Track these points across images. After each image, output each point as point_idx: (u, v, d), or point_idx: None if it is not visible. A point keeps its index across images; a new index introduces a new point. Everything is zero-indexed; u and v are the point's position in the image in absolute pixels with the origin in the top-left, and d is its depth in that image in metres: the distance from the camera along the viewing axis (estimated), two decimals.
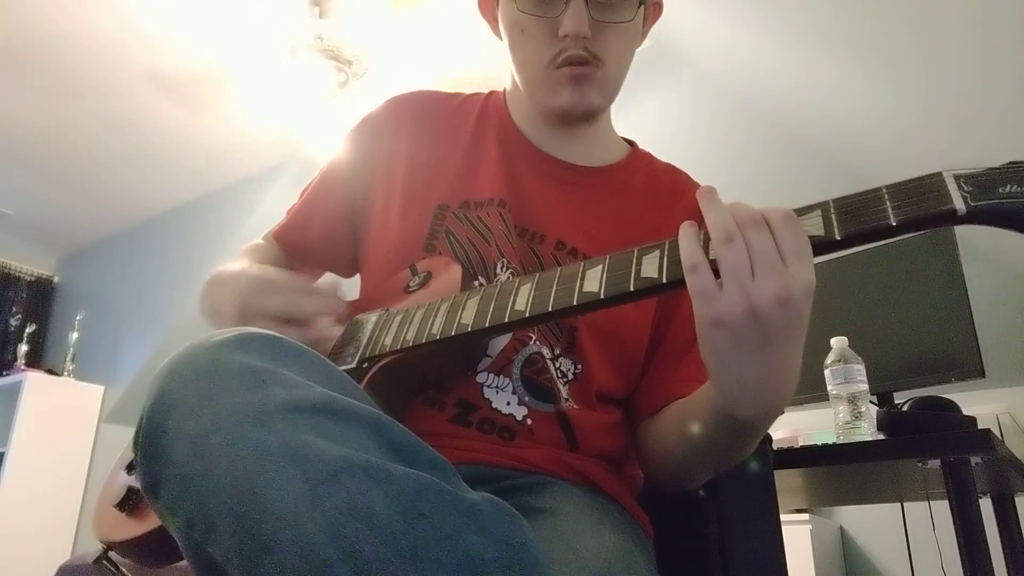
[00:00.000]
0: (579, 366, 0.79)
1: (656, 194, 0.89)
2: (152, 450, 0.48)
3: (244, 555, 0.41)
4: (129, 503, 0.67)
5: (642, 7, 0.83)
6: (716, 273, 0.54)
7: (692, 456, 0.74)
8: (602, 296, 0.59)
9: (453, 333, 0.65)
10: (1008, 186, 0.48)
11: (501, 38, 0.89)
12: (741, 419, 0.61)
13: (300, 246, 0.96)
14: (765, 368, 0.56)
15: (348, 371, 0.70)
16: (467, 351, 0.74)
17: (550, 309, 0.61)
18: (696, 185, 0.92)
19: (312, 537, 0.39)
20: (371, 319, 0.76)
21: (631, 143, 0.97)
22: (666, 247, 0.58)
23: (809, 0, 2.25)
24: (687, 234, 0.56)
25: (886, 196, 0.51)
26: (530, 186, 0.86)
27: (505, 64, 0.91)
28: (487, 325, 0.64)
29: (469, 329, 0.65)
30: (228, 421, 0.45)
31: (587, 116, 0.86)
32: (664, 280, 0.57)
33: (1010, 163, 0.49)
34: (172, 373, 0.50)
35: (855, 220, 0.52)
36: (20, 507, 3.51)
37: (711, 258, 0.54)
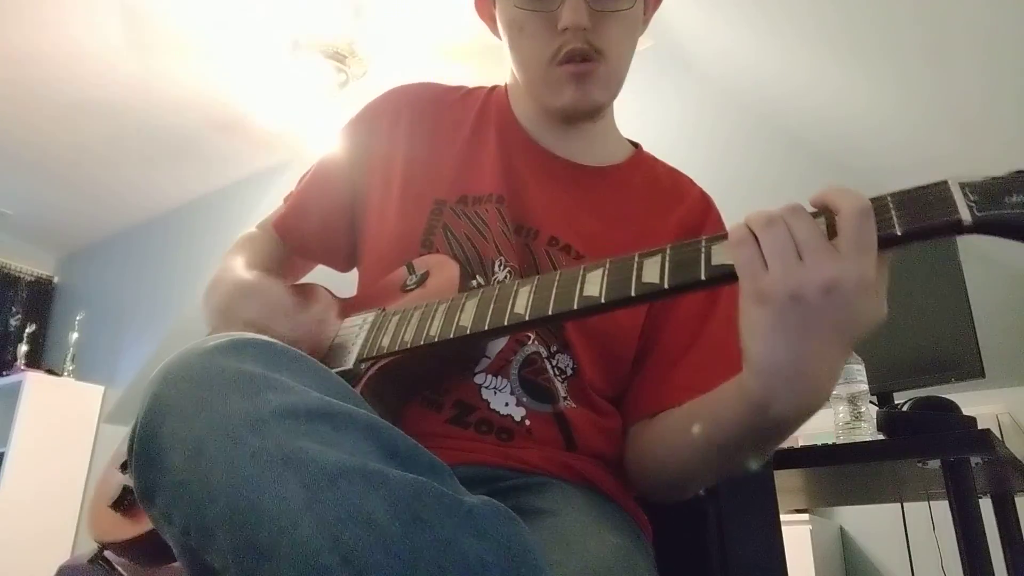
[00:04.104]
0: (575, 363, 0.78)
1: (655, 197, 0.88)
2: (147, 457, 0.47)
3: (242, 563, 0.41)
4: (124, 503, 0.67)
5: None
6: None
7: (697, 462, 0.71)
8: (603, 300, 0.58)
9: (452, 336, 0.65)
10: (1014, 196, 0.47)
11: (500, 38, 0.88)
12: (774, 414, 0.57)
13: (298, 235, 0.96)
14: (803, 357, 0.53)
15: (345, 372, 0.70)
16: (465, 353, 0.74)
17: (550, 313, 0.60)
18: (698, 189, 0.92)
19: (310, 543, 0.39)
20: (368, 319, 0.76)
21: (636, 145, 0.96)
22: (668, 251, 0.57)
23: (813, 4, 2.25)
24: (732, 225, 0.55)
25: (891, 205, 0.50)
26: (528, 183, 0.85)
27: (506, 62, 0.91)
28: (486, 328, 0.63)
29: (468, 332, 0.64)
30: (223, 428, 0.45)
31: (591, 114, 0.85)
32: (666, 285, 0.56)
33: (1016, 172, 0.48)
34: (166, 380, 0.50)
35: None
36: (20, 507, 3.50)
37: None
